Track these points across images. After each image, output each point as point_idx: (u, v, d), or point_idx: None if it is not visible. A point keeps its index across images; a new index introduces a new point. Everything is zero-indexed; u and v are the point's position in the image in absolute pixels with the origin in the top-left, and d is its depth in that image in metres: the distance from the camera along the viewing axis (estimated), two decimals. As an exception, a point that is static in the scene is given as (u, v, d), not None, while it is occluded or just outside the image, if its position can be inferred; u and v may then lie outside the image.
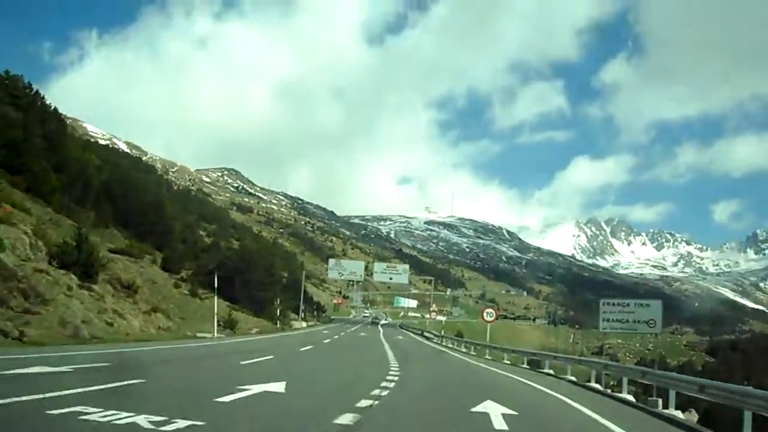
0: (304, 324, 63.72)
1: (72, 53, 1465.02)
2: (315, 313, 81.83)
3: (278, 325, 46.06)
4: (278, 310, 46.19)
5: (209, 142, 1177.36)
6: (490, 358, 29.29)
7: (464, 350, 34.83)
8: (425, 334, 57.72)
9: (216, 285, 30.75)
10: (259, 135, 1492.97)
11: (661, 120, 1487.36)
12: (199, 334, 29.73)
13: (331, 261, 65.51)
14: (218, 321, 39.51)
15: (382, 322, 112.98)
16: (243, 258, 49.97)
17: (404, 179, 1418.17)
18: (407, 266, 65.55)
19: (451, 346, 39.57)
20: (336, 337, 39.66)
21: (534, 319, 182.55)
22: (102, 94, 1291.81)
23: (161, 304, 32.71)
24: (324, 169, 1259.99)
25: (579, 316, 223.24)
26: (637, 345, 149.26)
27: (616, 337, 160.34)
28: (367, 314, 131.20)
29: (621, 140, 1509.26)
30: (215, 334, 29.53)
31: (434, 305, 59.76)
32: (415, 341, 43.68)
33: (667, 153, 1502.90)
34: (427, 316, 67.27)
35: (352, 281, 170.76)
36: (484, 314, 35.00)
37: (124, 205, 48.72)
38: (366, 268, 70.05)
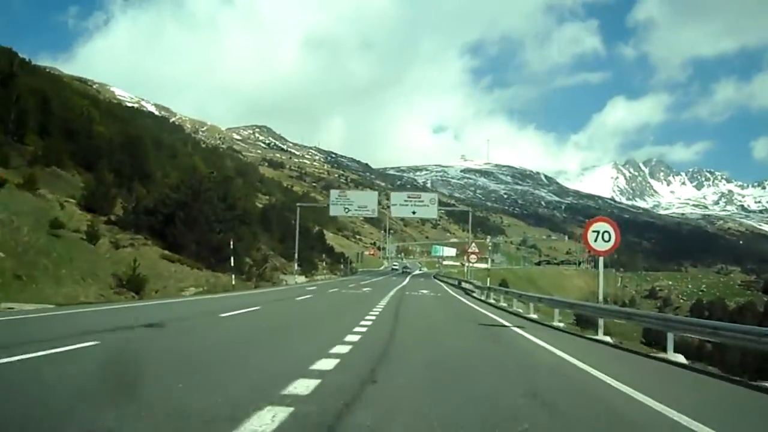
0: (302, 278, 48.14)
1: (97, 17, 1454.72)
2: (326, 263, 66.06)
3: (234, 281, 30.15)
4: (232, 258, 30.01)
5: (241, 101, 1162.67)
6: (625, 346, 12.59)
7: (559, 322, 16.30)
8: (463, 285, 41.43)
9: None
10: (289, 91, 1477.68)
11: (697, 56, 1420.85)
12: (5, 306, 14.12)
13: (333, 193, 46.82)
14: (120, 279, 24.50)
15: (415, 272, 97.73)
16: (189, 186, 34.14)
17: (439, 128, 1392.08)
18: (435, 195, 48.42)
19: (513, 310, 22.23)
20: (306, 297, 23.80)
21: (579, 263, 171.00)
22: (130, 57, 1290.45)
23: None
24: (357, 122, 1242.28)
25: (623, 259, 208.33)
26: (689, 286, 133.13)
27: (667, 278, 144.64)
28: (396, 265, 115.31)
29: (657, 79, 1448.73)
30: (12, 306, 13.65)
31: (473, 245, 42.82)
32: (445, 300, 27.24)
33: (705, 90, 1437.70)
34: (466, 263, 50.94)
35: (364, 218, 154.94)
36: (589, 236, 13.98)
37: (88, 145, 39.35)
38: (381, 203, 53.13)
